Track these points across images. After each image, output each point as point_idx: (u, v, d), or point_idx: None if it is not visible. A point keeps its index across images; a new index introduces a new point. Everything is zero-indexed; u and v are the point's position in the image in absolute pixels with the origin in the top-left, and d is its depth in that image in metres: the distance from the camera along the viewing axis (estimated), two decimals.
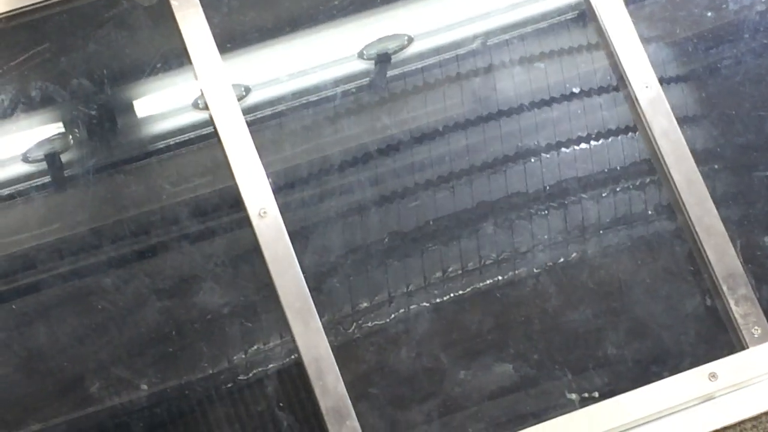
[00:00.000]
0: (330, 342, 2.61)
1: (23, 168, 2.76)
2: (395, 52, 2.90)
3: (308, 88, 2.84)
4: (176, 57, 2.81)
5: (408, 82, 2.87)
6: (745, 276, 2.74)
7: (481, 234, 2.78)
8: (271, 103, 2.83)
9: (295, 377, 2.63)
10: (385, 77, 2.88)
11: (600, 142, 2.87)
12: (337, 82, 2.86)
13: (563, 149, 2.85)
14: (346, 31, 2.90)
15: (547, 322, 2.73)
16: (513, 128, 2.86)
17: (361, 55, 2.89)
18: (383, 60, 2.89)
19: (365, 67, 2.89)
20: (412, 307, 2.72)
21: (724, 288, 2.73)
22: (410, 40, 2.91)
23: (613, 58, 2.89)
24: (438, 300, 2.73)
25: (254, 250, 2.68)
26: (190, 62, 2.78)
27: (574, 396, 2.67)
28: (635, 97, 2.85)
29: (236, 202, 2.70)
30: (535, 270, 2.76)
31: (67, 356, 2.62)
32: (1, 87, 2.77)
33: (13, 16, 2.79)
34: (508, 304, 2.74)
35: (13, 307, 2.65)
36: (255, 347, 2.66)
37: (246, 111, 2.77)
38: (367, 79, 2.88)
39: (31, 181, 2.74)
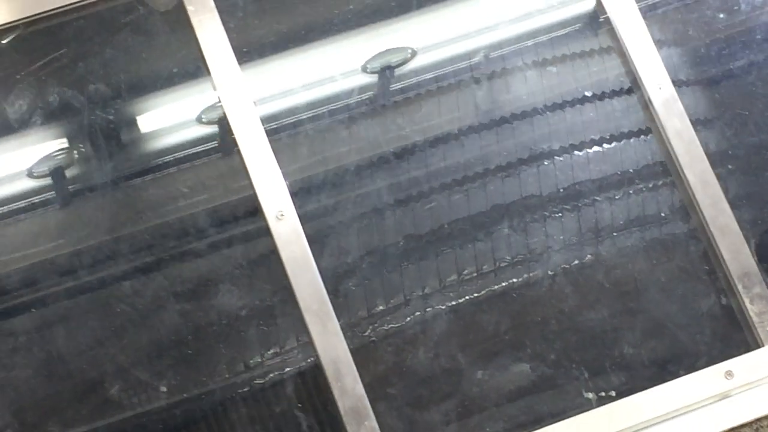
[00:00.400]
0: (348, 343, 2.63)
1: (43, 178, 2.78)
2: (400, 64, 2.92)
3: (327, 96, 2.87)
4: (193, 63, 2.83)
5: (420, 89, 2.89)
6: (760, 275, 2.75)
7: (496, 236, 2.79)
8: (289, 110, 2.85)
9: (313, 379, 2.65)
10: (395, 87, 2.90)
11: (614, 144, 2.88)
12: (355, 90, 2.87)
13: (577, 152, 2.87)
14: (366, 40, 2.93)
15: (563, 323, 2.74)
16: (528, 131, 2.88)
17: (365, 68, 2.91)
18: (394, 69, 2.90)
19: (384, 75, 2.91)
20: (428, 308, 2.73)
21: (739, 287, 2.74)
22: (426, 48, 2.93)
23: (627, 60, 2.91)
24: (454, 302, 2.74)
25: (272, 253, 2.69)
26: (206, 68, 2.80)
27: (591, 395, 2.68)
28: (649, 98, 2.87)
29: (254, 206, 2.72)
30: (550, 271, 2.78)
31: (86, 360, 2.64)
32: (19, 93, 2.79)
33: (30, 22, 2.81)
34: (524, 305, 2.76)
35: (26, 319, 2.67)
36: (273, 349, 2.68)
37: (264, 118, 2.78)
38: (386, 86, 2.89)
39: (49, 191, 2.76)
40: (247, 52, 2.86)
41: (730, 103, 2.95)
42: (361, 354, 2.66)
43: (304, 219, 2.71)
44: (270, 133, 2.77)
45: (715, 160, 2.85)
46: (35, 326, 2.65)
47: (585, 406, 2.67)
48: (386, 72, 2.91)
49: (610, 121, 2.90)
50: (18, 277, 2.68)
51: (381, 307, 2.72)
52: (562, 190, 2.83)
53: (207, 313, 2.68)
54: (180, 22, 2.84)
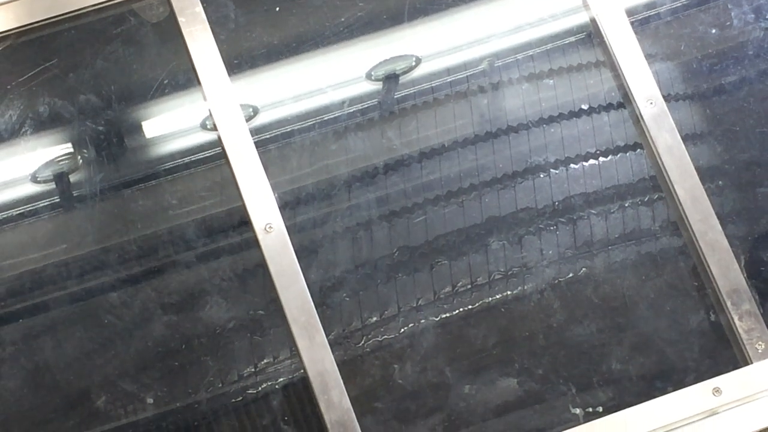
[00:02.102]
0: (335, 357, 2.62)
1: (31, 188, 2.77)
2: (403, 72, 2.91)
3: (316, 108, 2.86)
4: (184, 74, 2.83)
5: (415, 101, 2.89)
6: (749, 291, 2.74)
7: (486, 250, 2.79)
8: (278, 122, 2.85)
9: (300, 392, 2.64)
10: (393, 97, 2.89)
11: (605, 158, 2.88)
12: (345, 102, 2.87)
13: (568, 166, 2.86)
14: (354, 52, 2.92)
15: (552, 337, 2.74)
16: (518, 145, 2.88)
17: (368, 76, 2.91)
18: (391, 80, 2.90)
19: (373, 87, 2.90)
20: (417, 322, 2.73)
21: (728, 303, 2.73)
22: (418, 60, 2.92)
23: (618, 75, 2.90)
24: (442, 315, 2.74)
25: (260, 265, 2.69)
26: (197, 80, 2.80)
27: (578, 411, 2.68)
28: (639, 113, 2.86)
29: (243, 218, 2.72)
30: (540, 285, 2.77)
31: (74, 371, 2.63)
32: (8, 103, 2.79)
33: (22, 32, 2.81)
34: (511, 320, 2.75)
35: (24, 324, 2.67)
36: (260, 362, 2.67)
37: (253, 130, 2.78)
38: (375, 99, 2.89)
39: (38, 201, 2.76)
40: (238, 64, 2.86)
41: (720, 119, 2.95)
42: (348, 367, 2.65)
43: (292, 231, 2.70)
44: (259, 145, 2.77)
45: (706, 175, 2.84)
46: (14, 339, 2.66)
47: (572, 422, 2.66)
48: (377, 84, 2.91)
49: (601, 135, 2.90)
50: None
51: (368, 321, 2.72)
52: (550, 205, 2.83)
53: (194, 324, 2.67)
54: (171, 34, 2.84)
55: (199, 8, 2.83)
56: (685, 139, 2.86)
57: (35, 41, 2.83)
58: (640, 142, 2.88)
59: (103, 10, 2.85)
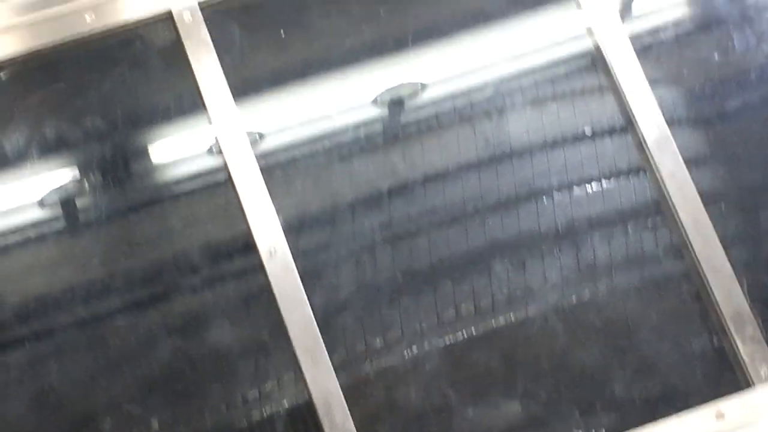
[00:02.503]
0: (339, 380, 2.63)
1: (36, 212, 2.79)
2: (408, 98, 2.93)
3: (321, 133, 2.88)
4: (190, 99, 2.84)
5: (420, 126, 2.90)
6: (752, 316, 2.75)
7: (489, 274, 2.80)
8: (284, 146, 2.86)
9: (304, 415, 2.65)
10: (398, 122, 2.91)
11: (608, 182, 2.89)
12: (350, 127, 2.88)
13: (571, 190, 2.87)
14: (359, 78, 2.93)
15: (555, 361, 2.74)
16: (522, 170, 2.89)
17: (374, 101, 2.92)
18: (395, 105, 2.92)
19: (377, 112, 2.92)
20: (421, 346, 2.73)
21: (732, 327, 2.74)
22: (423, 86, 2.94)
23: (622, 99, 2.91)
24: (446, 339, 2.75)
25: (265, 289, 2.70)
26: (203, 104, 2.82)
27: None
28: (643, 138, 2.88)
29: (248, 243, 2.73)
30: (543, 309, 2.78)
31: (80, 394, 2.64)
32: (14, 128, 2.81)
33: (28, 57, 2.83)
34: (515, 343, 2.76)
35: (28, 349, 2.68)
36: (265, 385, 2.68)
37: (259, 155, 2.80)
38: (380, 124, 2.91)
39: (42, 225, 2.77)
40: (244, 89, 2.87)
41: (723, 144, 2.96)
42: (352, 391, 2.66)
43: (297, 255, 2.72)
44: (265, 170, 2.79)
45: (709, 199, 2.85)
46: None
47: None
48: (382, 109, 2.92)
49: (604, 160, 2.91)
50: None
51: (373, 344, 2.72)
52: (553, 229, 2.84)
53: (199, 348, 2.68)
54: (177, 58, 2.86)
55: (205, 33, 2.86)
56: (688, 163, 2.86)
57: (42, 65, 2.85)
58: (644, 167, 2.89)
59: (110, 34, 2.86)
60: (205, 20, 2.87)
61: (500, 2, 3.03)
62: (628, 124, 2.91)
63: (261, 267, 2.71)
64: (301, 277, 2.71)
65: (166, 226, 2.79)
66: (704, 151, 2.94)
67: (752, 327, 2.74)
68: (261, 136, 2.87)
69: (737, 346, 2.73)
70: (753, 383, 2.70)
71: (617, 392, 2.72)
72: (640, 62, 2.94)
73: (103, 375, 2.65)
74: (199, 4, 2.86)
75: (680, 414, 2.66)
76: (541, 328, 2.76)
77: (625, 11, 3.02)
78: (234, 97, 2.84)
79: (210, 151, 2.83)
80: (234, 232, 2.77)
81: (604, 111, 2.94)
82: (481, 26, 3.00)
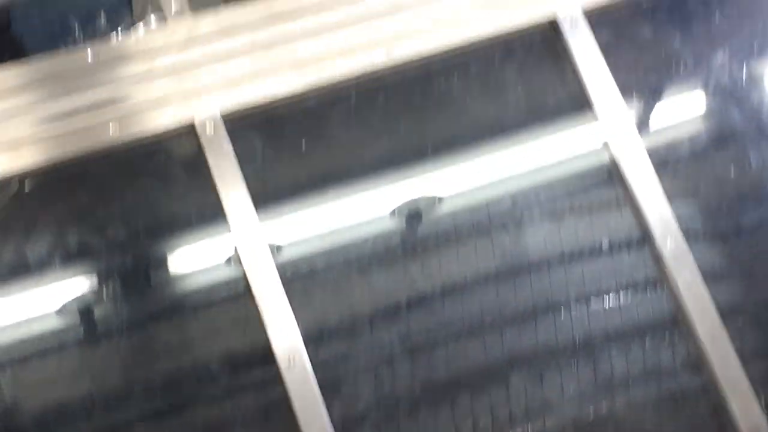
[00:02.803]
0: None
1: (56, 321, 2.81)
2: (426, 210, 2.95)
3: (341, 244, 2.90)
4: (211, 209, 2.87)
5: (438, 239, 2.93)
6: None
7: (507, 387, 2.80)
8: (304, 257, 2.88)
9: None
10: (416, 234, 2.94)
11: (625, 296, 2.90)
12: (369, 239, 2.91)
13: (587, 303, 2.89)
14: (379, 190, 2.96)
15: None
16: (539, 283, 2.90)
17: (392, 213, 2.95)
18: (414, 218, 2.94)
19: (396, 224, 2.94)
20: None
21: None
22: (440, 199, 2.97)
23: (639, 212, 2.93)
24: None
25: (284, 399, 2.71)
26: (224, 215, 2.84)
27: None
28: (660, 251, 2.89)
29: (267, 352, 2.74)
30: (561, 423, 2.78)
31: None
32: (36, 238, 2.84)
33: (51, 168, 2.86)
34: None
35: None
36: None
37: (279, 265, 2.82)
38: (398, 236, 2.93)
39: (62, 335, 2.79)
40: (265, 198, 2.90)
41: (741, 258, 2.97)
42: None
43: (316, 366, 2.73)
44: (285, 280, 2.81)
45: (726, 314, 2.86)
46: None
47: None
48: (400, 221, 2.95)
49: (621, 273, 2.92)
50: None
51: None
52: (570, 342, 2.85)
53: None
54: (199, 168, 2.89)
55: (227, 144, 2.89)
56: (706, 277, 2.88)
57: (65, 176, 2.88)
58: (661, 280, 2.90)
59: (133, 145, 2.90)
60: (228, 131, 2.90)
61: (517, 115, 3.06)
62: (646, 238, 2.93)
63: (279, 377, 2.72)
64: (320, 388, 2.71)
65: (184, 336, 2.80)
66: (722, 266, 2.96)
67: None
68: (281, 246, 2.89)
69: None
70: None
71: None
72: (657, 176, 2.96)
73: None
74: (222, 116, 2.90)
75: None
76: None
77: (643, 125, 3.05)
78: (255, 207, 2.86)
79: (230, 261, 2.86)
80: (253, 341, 2.78)
81: (621, 224, 2.96)
82: (498, 139, 3.03)
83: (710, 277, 2.90)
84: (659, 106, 3.10)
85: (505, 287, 2.90)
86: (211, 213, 2.87)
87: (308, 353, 2.74)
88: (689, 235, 2.93)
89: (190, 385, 2.76)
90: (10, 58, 2.94)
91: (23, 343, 2.78)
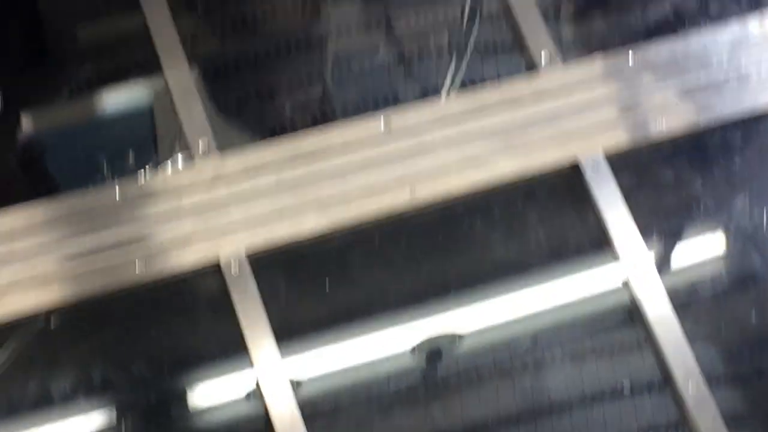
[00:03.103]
0: None
1: None
2: (447, 348, 2.97)
3: (362, 381, 2.92)
4: (235, 346, 2.89)
5: (459, 377, 2.94)
6: None
7: None
8: (325, 393, 2.90)
9: None
10: (436, 372, 2.95)
11: None
12: (391, 377, 2.92)
13: None
14: (400, 328, 2.98)
15: None
16: (560, 424, 2.91)
17: (412, 351, 2.96)
18: (435, 356, 2.96)
19: (417, 362, 2.96)
20: None
21: None
22: (460, 338, 2.98)
23: (660, 354, 2.94)
24: None
25: None
26: (247, 352, 2.87)
27: None
28: (681, 394, 2.89)
29: None
30: None
31: None
32: (60, 374, 2.86)
33: (76, 305, 2.90)
34: None
35: None
36: None
37: (300, 401, 2.83)
38: (419, 374, 2.94)
39: None
40: (288, 335, 2.92)
41: (763, 402, 2.97)
42: None
43: None
44: (306, 417, 2.82)
45: None
46: None
47: None
48: (421, 359, 2.96)
49: (642, 415, 2.92)
50: None
51: None
52: None
53: None
54: (223, 306, 2.92)
55: (252, 283, 2.92)
56: (728, 421, 2.87)
57: (90, 313, 2.91)
58: (682, 424, 2.90)
59: (158, 283, 2.93)
60: (252, 270, 2.93)
61: (538, 254, 3.09)
62: (667, 380, 2.93)
63: None
64: None
65: None
66: (743, 410, 2.96)
67: None
68: (302, 382, 2.91)
69: None
70: None
71: None
72: (677, 317, 2.97)
73: None
74: (248, 255, 2.93)
75: None
76: None
77: (663, 264, 3.07)
78: (277, 343, 2.88)
79: (251, 396, 2.87)
80: None
81: (642, 366, 2.97)
82: (520, 278, 3.05)
83: (732, 421, 2.89)
84: (679, 248, 3.12)
85: (525, 428, 2.90)
86: (234, 349, 2.89)
87: None
88: (710, 378, 2.93)
89: None
90: (37, 195, 2.99)
91: None
